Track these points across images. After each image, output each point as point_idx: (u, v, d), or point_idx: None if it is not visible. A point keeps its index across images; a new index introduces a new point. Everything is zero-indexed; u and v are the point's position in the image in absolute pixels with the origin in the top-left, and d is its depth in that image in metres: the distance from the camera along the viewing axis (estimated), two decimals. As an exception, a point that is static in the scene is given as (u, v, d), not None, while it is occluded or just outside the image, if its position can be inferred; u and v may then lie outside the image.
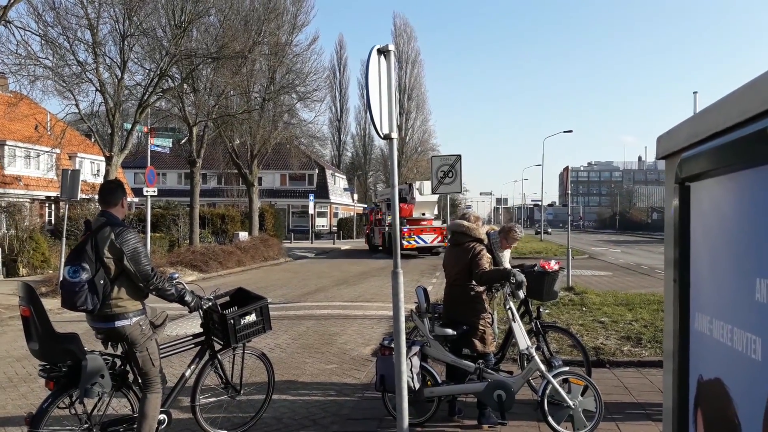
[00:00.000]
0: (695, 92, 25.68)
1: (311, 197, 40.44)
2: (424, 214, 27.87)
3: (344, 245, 38.36)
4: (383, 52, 4.64)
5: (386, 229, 28.40)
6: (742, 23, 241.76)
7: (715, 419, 1.14)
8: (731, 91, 1.09)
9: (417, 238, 26.56)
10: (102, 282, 4.04)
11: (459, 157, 11.67)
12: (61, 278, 4.19)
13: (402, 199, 27.71)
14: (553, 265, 6.00)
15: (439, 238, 26.67)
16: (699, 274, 1.27)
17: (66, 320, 9.06)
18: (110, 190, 4.36)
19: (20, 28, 17.20)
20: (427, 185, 26.32)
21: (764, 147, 0.90)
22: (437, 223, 28.07)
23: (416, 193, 27.07)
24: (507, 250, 6.55)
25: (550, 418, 4.93)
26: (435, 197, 27.46)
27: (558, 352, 7.30)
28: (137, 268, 4.11)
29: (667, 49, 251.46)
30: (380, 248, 29.95)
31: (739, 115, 1.01)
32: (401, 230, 26.88)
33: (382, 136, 4.63)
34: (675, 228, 1.35)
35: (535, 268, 5.94)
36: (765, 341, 0.95)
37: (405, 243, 25.99)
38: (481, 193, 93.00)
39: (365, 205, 61.97)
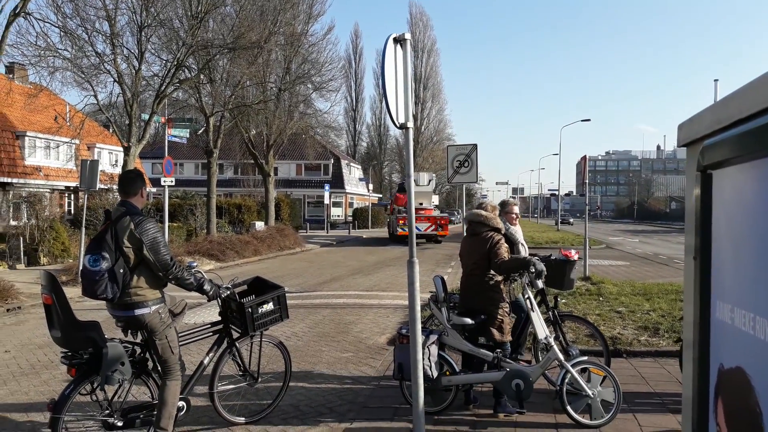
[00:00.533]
0: (716, 80, 25.32)
1: (327, 187, 40.44)
2: (421, 204, 29.35)
3: (363, 234, 38.45)
4: (399, 41, 4.61)
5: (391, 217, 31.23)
6: (762, 10, 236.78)
7: (737, 408, 1.14)
8: (755, 77, 1.07)
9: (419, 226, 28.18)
10: (122, 271, 4.10)
11: (475, 146, 11.61)
12: (81, 267, 4.25)
13: (401, 190, 30.27)
14: (574, 255, 5.98)
15: (432, 227, 28.84)
16: (720, 263, 1.26)
17: (87, 308, 9.21)
18: (130, 180, 4.41)
19: (39, 20, 17.39)
20: (424, 176, 30.17)
21: (789, 133, 0.88)
22: (436, 213, 30.65)
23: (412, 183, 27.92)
24: (516, 226, 6.51)
25: (569, 407, 4.93)
26: (430, 188, 30.41)
27: (575, 342, 7.29)
28: (156, 257, 4.16)
29: (687, 38, 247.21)
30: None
31: (764, 102, 1.00)
32: (397, 217, 29.48)
33: (398, 125, 4.61)
34: (696, 216, 1.33)
35: (556, 257, 5.93)
36: (788, 329, 0.93)
37: (399, 230, 28.27)
38: (497, 183, 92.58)
39: (380, 195, 61.99)
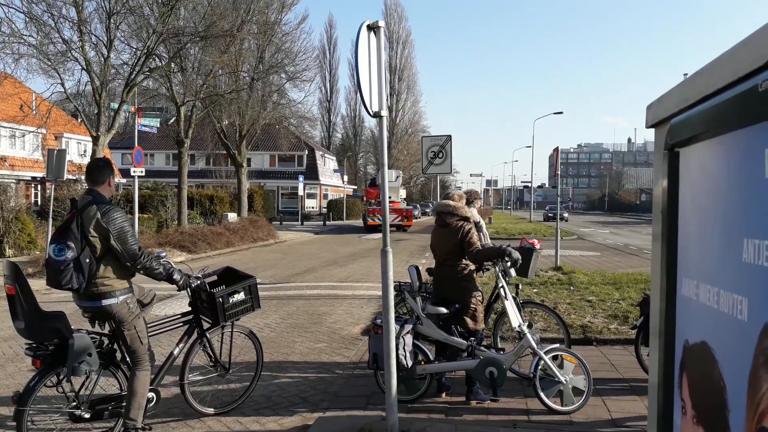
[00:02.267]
0: (686, 74, 25.74)
1: (301, 178, 40.23)
2: (390, 197, 30.99)
3: (340, 225, 38.41)
4: (373, 28, 4.57)
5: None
6: (734, 4, 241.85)
7: (701, 382, 1.15)
8: (720, 53, 1.07)
9: (381, 217, 29.78)
10: (87, 260, 4.00)
11: (449, 137, 11.62)
12: (46, 257, 4.14)
13: (372, 185, 34.06)
14: (537, 243, 6.05)
15: (399, 218, 32.49)
16: (686, 240, 1.27)
17: (53, 300, 9.01)
18: (97, 169, 4.30)
19: (3, 5, 16.90)
20: (391, 173, 32.14)
21: (755, 105, 0.88)
22: (402, 205, 34.72)
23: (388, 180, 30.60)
24: (473, 209, 6.67)
25: (541, 393, 4.99)
26: (398, 183, 33.99)
27: (546, 330, 7.39)
28: (124, 247, 4.07)
29: (659, 31, 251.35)
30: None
31: (732, 75, 1.00)
32: (367, 209, 32.38)
33: (371, 114, 4.57)
34: (663, 194, 1.34)
35: (521, 245, 5.98)
36: (751, 301, 0.94)
37: (370, 220, 32.00)
38: (471, 175, 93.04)
39: (355, 187, 61.90)
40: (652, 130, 1.60)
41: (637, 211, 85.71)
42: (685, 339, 1.27)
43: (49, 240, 14.00)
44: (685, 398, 1.24)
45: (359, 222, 40.04)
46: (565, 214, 55.41)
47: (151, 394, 4.48)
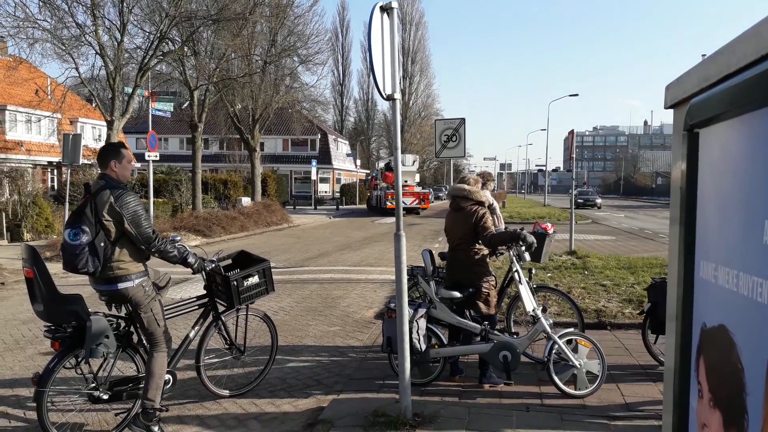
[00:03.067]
0: (704, 55, 25.27)
1: (314, 163, 40.23)
2: (406, 181, 33.80)
3: (352, 209, 38.50)
4: (386, 9, 4.52)
5: (378, 192, 36.18)
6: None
7: (718, 365, 1.14)
8: (742, 31, 1.04)
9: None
10: (102, 244, 4.04)
11: (463, 120, 11.52)
12: (62, 241, 4.18)
13: (388, 168, 33.69)
14: (550, 228, 6.00)
15: (417, 201, 33.69)
16: (705, 222, 1.25)
17: (71, 284, 9.14)
18: (102, 153, 4.31)
19: (17, -11, 16.90)
20: (408, 158, 35.17)
21: (779, 83, 0.86)
22: (418, 189, 35.48)
23: (401, 163, 32.35)
24: (486, 191, 6.67)
25: (556, 377, 5.00)
26: (414, 168, 35.78)
27: (560, 314, 7.37)
28: (138, 230, 4.10)
29: (676, 12, 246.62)
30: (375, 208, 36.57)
31: (754, 53, 0.97)
32: (386, 193, 32.91)
33: (384, 96, 4.55)
34: (682, 176, 1.31)
35: (535, 229, 5.95)
36: (772, 284, 0.92)
37: (389, 204, 32.06)
38: (485, 158, 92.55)
39: (368, 171, 61.88)
40: (671, 111, 1.57)
41: (652, 194, 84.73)
42: (702, 322, 1.26)
43: (64, 226, 14.20)
44: (702, 382, 1.23)
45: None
46: (598, 200, 46.14)
47: (167, 376, 4.54)
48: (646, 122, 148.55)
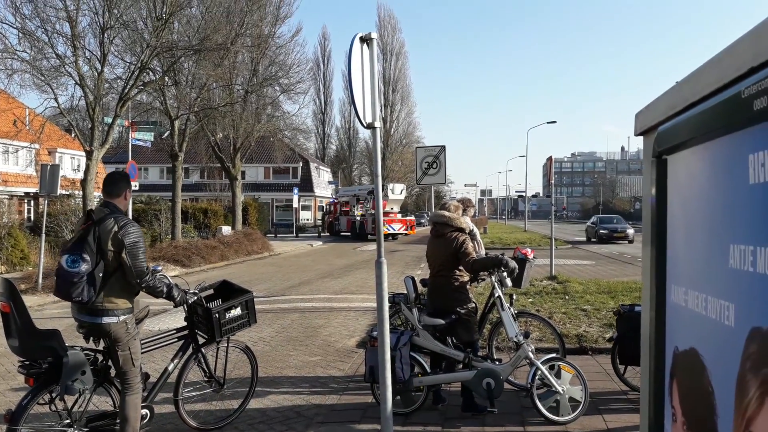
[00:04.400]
0: (678, 82, 25.87)
1: (295, 191, 40.35)
2: (392, 209, 36.43)
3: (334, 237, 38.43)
4: (366, 39, 4.60)
5: (357, 218, 37.22)
6: (724, 11, 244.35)
7: (690, 388, 1.15)
8: (706, 60, 1.08)
9: (389, 227, 34.81)
10: (101, 275, 3.97)
11: (443, 147, 11.65)
12: (57, 266, 4.09)
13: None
14: (530, 253, 6.03)
15: (405, 227, 36.39)
16: (675, 247, 1.27)
17: (47, 317, 8.95)
18: (114, 181, 4.28)
19: (-4, 21, 16.85)
20: (398, 186, 37.92)
21: (739, 111, 0.89)
22: (400, 216, 38.05)
23: (389, 192, 36.39)
24: (466, 217, 6.70)
25: (539, 404, 4.97)
26: (402, 197, 38.75)
27: (541, 340, 7.37)
28: (134, 262, 4.03)
29: (652, 39, 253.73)
30: (347, 233, 38.36)
31: (716, 82, 1.00)
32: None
33: (365, 125, 4.59)
34: (652, 202, 1.34)
35: (516, 255, 5.97)
36: (738, 307, 0.94)
37: (386, 229, 34.53)
38: (465, 185, 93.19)
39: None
40: (642, 138, 1.61)
41: (631, 219, 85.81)
42: (675, 346, 1.27)
43: (42, 257, 13.87)
44: (675, 405, 1.23)
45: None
46: (630, 231, 31.78)
47: (144, 411, 4.43)
48: (623, 148, 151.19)
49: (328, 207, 42.86)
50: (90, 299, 3.94)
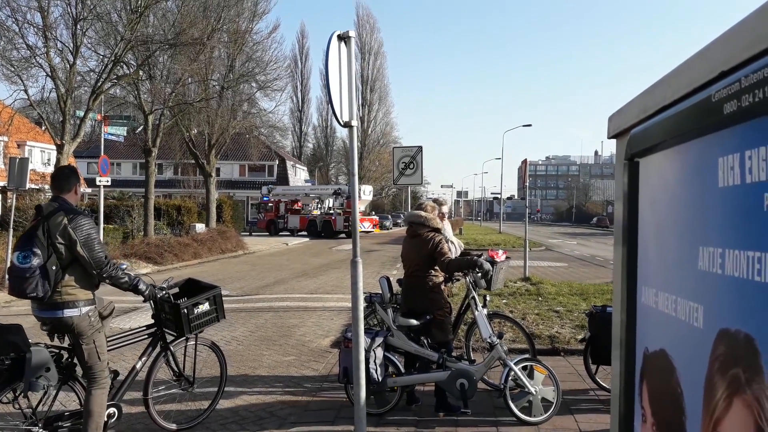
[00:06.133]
0: (650, 86, 26.32)
1: (264, 190, 40.69)
2: (362, 209, 42.40)
3: (305, 237, 38.26)
4: (344, 38, 4.58)
5: (322, 217, 39.14)
6: (700, 13, 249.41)
7: (660, 389, 1.16)
8: (678, 64, 1.09)
9: (361, 225, 37.77)
10: (54, 268, 3.89)
11: (420, 148, 11.68)
12: (8, 265, 4.01)
13: (348, 197, 38.85)
14: (501, 255, 6.04)
15: (372, 225, 42.11)
16: (646, 248, 1.29)
17: (13, 314, 8.74)
18: (63, 176, 4.21)
19: (-36, 9, 16.42)
20: (367, 188, 40.95)
21: (709, 115, 0.90)
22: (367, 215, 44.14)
23: (362, 193, 39.08)
24: (445, 221, 6.71)
25: (512, 404, 5.00)
26: (370, 197, 43.84)
27: (515, 341, 7.43)
28: (91, 254, 3.97)
29: (626, 42, 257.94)
30: (301, 232, 39.17)
31: (687, 86, 1.02)
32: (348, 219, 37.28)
33: (342, 123, 4.57)
34: (624, 203, 1.36)
35: (483, 257, 6.00)
36: (706, 308, 0.96)
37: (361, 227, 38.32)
38: (441, 186, 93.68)
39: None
40: (614, 141, 1.63)
41: (602, 223, 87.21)
42: (645, 347, 1.28)
43: (10, 252, 13.56)
44: (645, 406, 1.25)
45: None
46: None
47: (112, 410, 4.35)
48: (596, 152, 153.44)
49: (265, 205, 42.68)
50: (45, 294, 3.87)
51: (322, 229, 38.19)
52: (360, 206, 39.15)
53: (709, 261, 0.96)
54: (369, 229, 40.89)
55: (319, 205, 40.87)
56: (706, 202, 0.97)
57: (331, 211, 39.46)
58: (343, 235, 37.40)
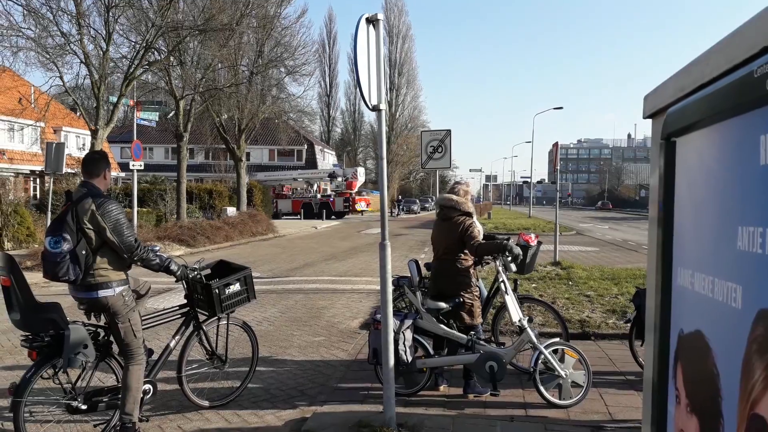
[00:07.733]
0: (687, 64, 25.57)
1: (291, 174, 41.17)
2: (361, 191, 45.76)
3: (337, 220, 38.50)
4: (372, 20, 4.55)
5: (319, 199, 42.07)
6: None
7: (695, 371, 1.15)
8: (715, 42, 1.06)
9: (362, 204, 43.50)
10: (84, 252, 4.00)
11: (449, 132, 11.59)
12: (43, 249, 4.14)
13: (347, 178, 43.26)
14: (533, 239, 5.99)
15: (367, 204, 44.60)
16: (682, 229, 1.27)
17: (52, 293, 9.01)
18: (93, 161, 4.30)
19: (1, -3, 16.79)
20: (360, 170, 45.42)
21: (750, 91, 0.88)
22: (365, 195, 46.41)
23: (359, 175, 44.09)
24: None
25: (541, 387, 5.00)
26: (363, 178, 46.59)
27: (544, 325, 7.39)
28: (120, 239, 4.06)
29: (659, 25, 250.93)
30: (297, 215, 41.01)
31: (726, 63, 0.99)
32: (354, 198, 42.17)
33: (370, 107, 4.55)
34: (660, 184, 1.33)
35: (518, 242, 5.96)
36: (745, 288, 0.94)
37: (358, 207, 42.83)
38: (470, 170, 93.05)
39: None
40: (650, 121, 1.59)
41: (636, 206, 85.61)
42: (680, 329, 1.27)
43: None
44: (680, 388, 1.23)
45: (356, 216, 46.12)
46: None
47: (147, 386, 4.48)
48: (629, 135, 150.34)
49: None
50: (77, 277, 3.98)
51: (319, 210, 40.40)
52: (354, 187, 42.83)
53: (749, 240, 0.94)
54: (364, 208, 44.15)
55: (309, 189, 43.84)
56: (746, 180, 0.95)
57: (329, 193, 42.46)
58: (334, 216, 40.47)
